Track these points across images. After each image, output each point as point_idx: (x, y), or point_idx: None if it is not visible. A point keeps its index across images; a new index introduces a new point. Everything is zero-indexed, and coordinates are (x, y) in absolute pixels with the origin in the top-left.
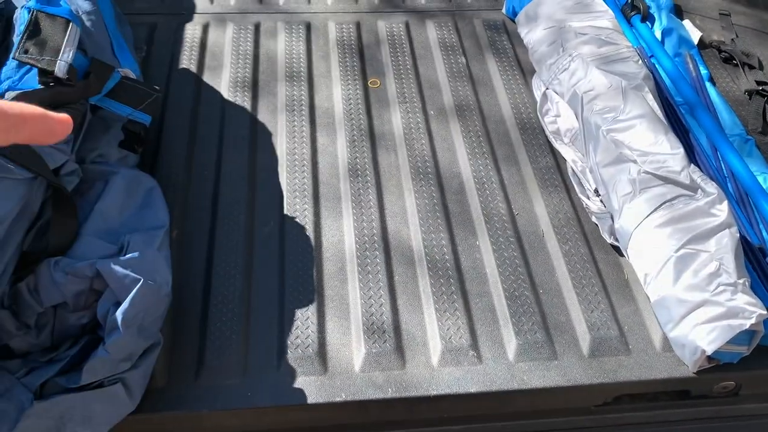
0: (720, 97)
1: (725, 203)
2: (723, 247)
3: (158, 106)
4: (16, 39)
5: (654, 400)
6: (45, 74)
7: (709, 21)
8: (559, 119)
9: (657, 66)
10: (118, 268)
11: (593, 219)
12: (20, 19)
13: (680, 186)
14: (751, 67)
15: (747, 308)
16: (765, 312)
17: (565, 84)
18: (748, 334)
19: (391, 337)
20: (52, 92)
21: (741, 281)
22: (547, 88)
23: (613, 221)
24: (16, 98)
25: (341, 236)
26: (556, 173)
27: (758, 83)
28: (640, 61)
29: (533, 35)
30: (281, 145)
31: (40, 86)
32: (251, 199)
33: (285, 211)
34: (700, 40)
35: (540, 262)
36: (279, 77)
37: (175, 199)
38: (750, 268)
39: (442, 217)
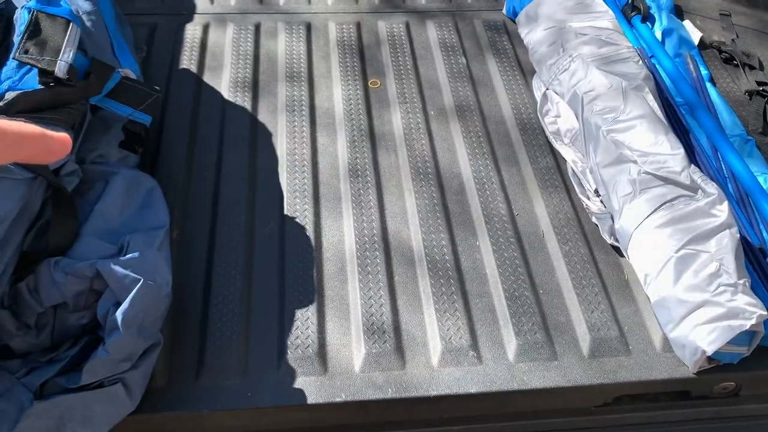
0: (720, 97)
1: (725, 204)
2: (723, 247)
3: (158, 107)
4: (16, 39)
5: (654, 400)
6: (45, 74)
7: (710, 21)
8: (559, 120)
9: (657, 66)
10: (118, 269)
11: (593, 219)
12: (20, 20)
13: (680, 186)
14: (752, 68)
15: (747, 309)
16: (765, 313)
17: (566, 84)
18: (749, 334)
19: (391, 338)
20: (52, 92)
21: (741, 282)
22: (547, 89)
23: (613, 222)
24: (17, 98)
25: (341, 236)
26: (556, 174)
27: (759, 84)
28: (641, 62)
29: (533, 36)
30: (281, 146)
31: (40, 86)
32: (251, 200)
33: (285, 212)
34: (701, 40)
35: (540, 262)
36: (279, 77)
37: (176, 200)
38: (750, 269)
39: (442, 217)
